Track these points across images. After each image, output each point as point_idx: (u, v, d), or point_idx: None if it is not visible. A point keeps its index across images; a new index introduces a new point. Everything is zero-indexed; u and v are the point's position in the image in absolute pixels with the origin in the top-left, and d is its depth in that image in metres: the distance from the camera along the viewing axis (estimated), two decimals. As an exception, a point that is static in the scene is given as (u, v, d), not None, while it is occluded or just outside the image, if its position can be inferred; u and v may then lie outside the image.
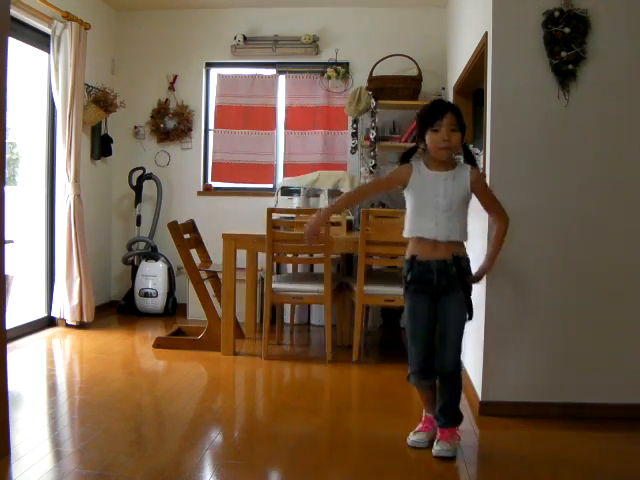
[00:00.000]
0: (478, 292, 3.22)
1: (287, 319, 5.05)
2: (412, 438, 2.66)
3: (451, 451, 2.53)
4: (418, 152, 2.60)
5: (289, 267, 5.19)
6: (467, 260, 2.58)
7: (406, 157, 2.59)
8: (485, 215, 3.02)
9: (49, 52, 4.63)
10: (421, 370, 2.57)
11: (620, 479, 2.43)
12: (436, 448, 2.55)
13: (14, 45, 4.28)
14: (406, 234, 2.59)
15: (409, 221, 2.57)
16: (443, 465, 2.51)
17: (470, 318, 2.56)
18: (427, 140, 2.48)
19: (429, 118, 2.45)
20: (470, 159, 2.57)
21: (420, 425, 2.71)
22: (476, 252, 3.36)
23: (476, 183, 2.52)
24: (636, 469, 2.51)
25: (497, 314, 3.01)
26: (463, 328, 2.57)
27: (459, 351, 2.58)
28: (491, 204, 2.62)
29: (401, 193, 2.61)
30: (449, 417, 2.59)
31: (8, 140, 4.40)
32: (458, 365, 2.58)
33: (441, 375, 2.58)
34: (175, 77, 5.65)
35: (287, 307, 5.00)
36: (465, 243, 2.60)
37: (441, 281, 2.51)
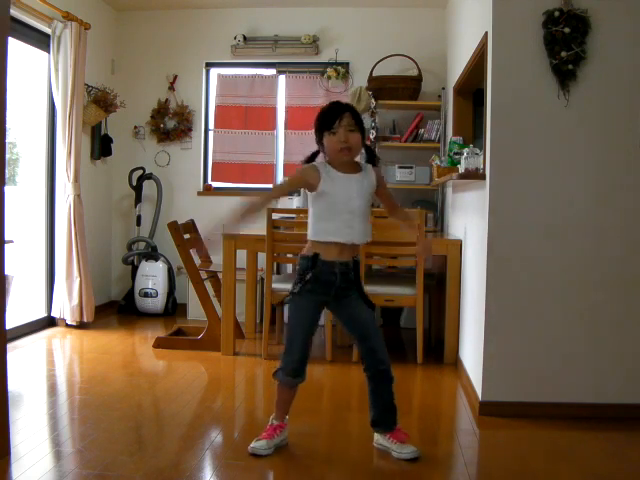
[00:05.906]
0: (478, 292, 3.23)
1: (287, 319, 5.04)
2: (253, 445, 2.51)
3: (417, 451, 2.50)
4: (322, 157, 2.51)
5: (289, 267, 5.19)
6: (359, 262, 2.57)
7: (309, 162, 2.49)
8: (485, 213, 3.03)
9: (49, 52, 4.63)
10: (295, 369, 2.56)
11: (620, 479, 2.43)
12: (407, 451, 2.49)
13: (14, 45, 4.28)
14: (313, 237, 2.48)
15: (318, 225, 2.46)
16: (444, 465, 2.52)
17: (373, 309, 2.58)
18: (325, 143, 2.40)
19: (326, 121, 2.38)
20: (371, 159, 2.53)
21: (264, 433, 2.56)
22: (475, 247, 3.37)
23: (379, 181, 2.52)
24: (636, 469, 2.51)
25: (497, 314, 3.01)
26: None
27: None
28: (390, 199, 2.64)
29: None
30: (394, 415, 2.58)
31: (8, 140, 4.40)
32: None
33: (378, 374, 2.56)
34: (175, 77, 5.65)
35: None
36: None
37: (341, 284, 2.49)
